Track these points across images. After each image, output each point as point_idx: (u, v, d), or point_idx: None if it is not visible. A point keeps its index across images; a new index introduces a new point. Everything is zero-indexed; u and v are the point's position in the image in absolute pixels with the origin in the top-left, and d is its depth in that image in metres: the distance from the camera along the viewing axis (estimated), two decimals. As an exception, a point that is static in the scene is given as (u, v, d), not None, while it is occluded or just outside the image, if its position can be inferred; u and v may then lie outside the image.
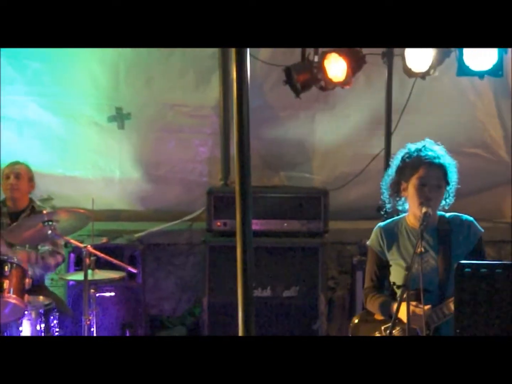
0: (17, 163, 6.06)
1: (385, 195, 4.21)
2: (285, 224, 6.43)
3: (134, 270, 5.69)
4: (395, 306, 3.79)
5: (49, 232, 5.13)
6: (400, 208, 4.18)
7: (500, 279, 3.24)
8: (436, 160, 3.98)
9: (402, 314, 3.74)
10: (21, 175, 5.95)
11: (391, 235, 4.14)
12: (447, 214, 4.11)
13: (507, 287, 3.22)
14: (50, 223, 5.13)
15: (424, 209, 3.88)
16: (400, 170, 4.09)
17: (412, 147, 4.10)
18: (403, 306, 3.67)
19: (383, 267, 4.16)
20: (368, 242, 4.26)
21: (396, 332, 3.95)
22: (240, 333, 2.37)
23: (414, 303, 3.79)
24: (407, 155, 4.08)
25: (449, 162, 4.04)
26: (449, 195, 4.08)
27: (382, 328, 4.03)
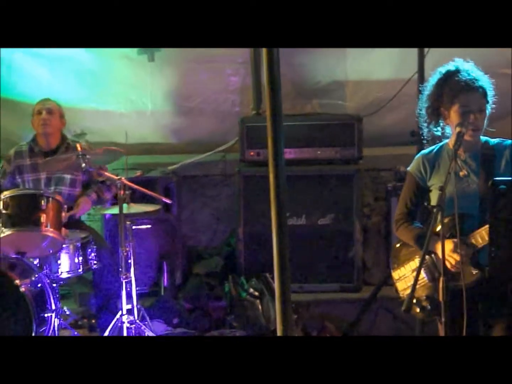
0: (47, 99, 6.05)
1: (423, 122, 4.13)
2: (319, 152, 6.40)
3: (168, 201, 5.74)
4: (436, 244, 3.76)
5: (83, 164, 5.18)
6: (438, 133, 4.10)
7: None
8: (475, 83, 3.89)
9: (437, 247, 3.72)
10: (52, 110, 5.95)
11: (433, 161, 4.07)
12: (491, 140, 4.04)
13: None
14: (84, 156, 5.18)
15: (458, 129, 3.82)
16: (437, 96, 3.98)
17: (443, 70, 4.00)
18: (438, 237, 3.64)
19: (420, 194, 4.10)
20: (408, 168, 4.19)
21: (433, 255, 3.93)
22: (275, 261, 2.37)
23: (450, 241, 3.76)
24: (441, 81, 3.98)
25: (486, 81, 3.94)
26: (488, 112, 4.00)
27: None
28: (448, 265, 3.74)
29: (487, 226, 3.56)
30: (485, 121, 3.95)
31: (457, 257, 3.72)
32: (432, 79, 4.05)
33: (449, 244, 3.75)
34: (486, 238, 3.62)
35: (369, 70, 7.22)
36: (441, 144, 4.10)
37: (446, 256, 3.72)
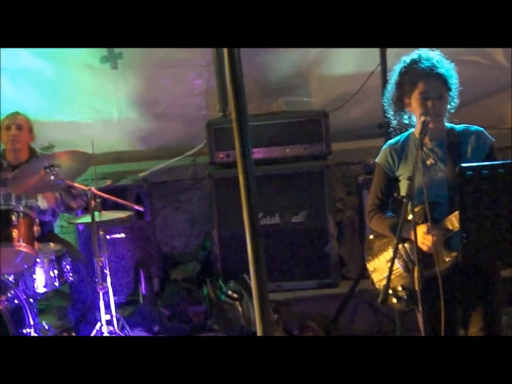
0: (17, 113, 5.97)
1: (389, 111, 4.15)
2: (287, 150, 6.41)
3: (140, 208, 5.71)
4: (410, 231, 3.78)
5: (52, 177, 5.12)
6: (406, 122, 4.12)
7: (502, 180, 3.22)
8: (435, 71, 3.91)
9: (410, 233, 3.74)
10: (22, 126, 5.88)
11: (400, 151, 4.09)
12: (457, 126, 4.06)
13: (510, 187, 3.21)
14: (52, 168, 5.11)
15: (422, 118, 3.84)
16: (399, 85, 4.02)
17: (407, 59, 4.02)
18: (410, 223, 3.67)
19: (390, 185, 4.12)
20: (376, 160, 4.21)
21: (407, 244, 3.95)
22: (250, 261, 2.37)
23: (422, 225, 3.78)
24: (403, 69, 4.01)
25: (447, 68, 3.96)
26: (453, 99, 4.01)
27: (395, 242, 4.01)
28: (425, 248, 3.76)
29: (457, 212, 3.59)
30: (447, 108, 3.98)
31: (430, 239, 3.74)
32: (396, 68, 4.08)
33: (422, 228, 3.77)
34: (457, 224, 3.65)
35: (332, 65, 7.23)
36: (407, 133, 4.12)
37: (422, 240, 3.75)
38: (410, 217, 3.68)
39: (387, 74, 4.30)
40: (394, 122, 4.15)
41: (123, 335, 5.31)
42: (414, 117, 4.04)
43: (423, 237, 3.77)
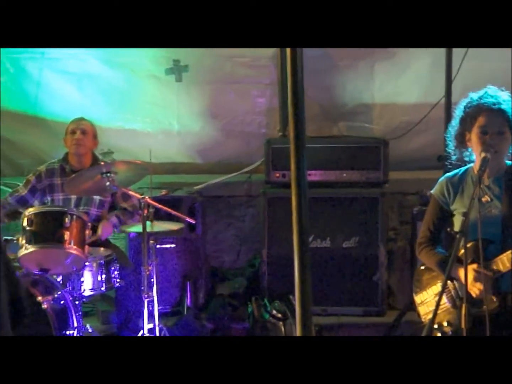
0: (82, 119, 6.04)
1: (450, 146, 4.12)
2: (344, 175, 6.39)
3: (192, 221, 5.73)
4: (459, 269, 3.73)
5: (107, 183, 5.17)
6: (467, 159, 4.08)
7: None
8: (497, 106, 3.87)
9: (460, 273, 3.69)
10: (86, 131, 5.94)
11: (457, 186, 4.06)
12: None
13: None
14: (108, 174, 5.17)
15: (483, 154, 3.79)
16: (462, 120, 4.00)
17: (474, 95, 3.99)
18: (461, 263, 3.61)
19: (444, 218, 4.09)
20: (432, 191, 4.18)
21: (456, 281, 3.90)
22: (296, 283, 2.35)
23: (473, 265, 3.73)
24: (469, 104, 3.98)
25: (510, 104, 3.92)
26: None
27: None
28: (472, 294, 3.71)
29: (509, 251, 3.53)
30: (508, 145, 3.92)
31: (480, 286, 3.68)
32: (461, 103, 4.05)
33: (471, 273, 3.72)
34: (508, 264, 3.59)
35: (396, 93, 7.20)
36: (466, 167, 4.08)
37: (469, 285, 3.69)
38: (461, 253, 3.63)
39: (451, 107, 4.28)
40: (453, 158, 4.11)
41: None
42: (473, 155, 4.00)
43: (472, 284, 3.72)
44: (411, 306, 4.46)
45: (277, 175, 6.43)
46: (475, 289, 3.71)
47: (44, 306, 4.92)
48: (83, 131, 5.92)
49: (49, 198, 5.91)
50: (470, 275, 3.71)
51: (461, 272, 3.60)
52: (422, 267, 4.21)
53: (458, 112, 4.07)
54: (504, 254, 3.68)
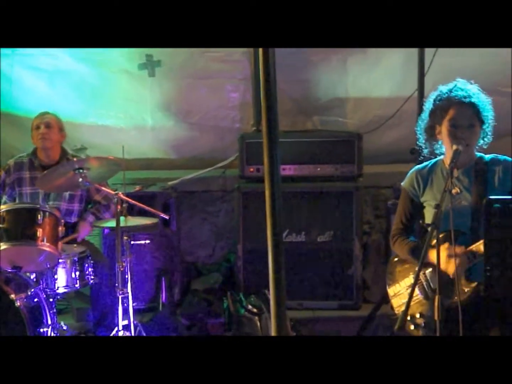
0: (46, 113, 6.02)
1: (421, 139, 4.14)
2: (318, 169, 6.39)
3: (166, 216, 5.70)
4: (430, 251, 3.76)
5: (80, 179, 5.15)
6: (437, 152, 4.11)
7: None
8: (467, 99, 3.90)
9: (433, 256, 3.71)
10: (51, 124, 5.92)
11: (426, 178, 4.09)
12: (486, 156, 4.04)
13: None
14: (81, 170, 5.15)
15: (454, 147, 3.82)
16: (432, 113, 4.02)
17: (444, 88, 4.02)
18: (433, 248, 3.64)
19: (415, 210, 4.13)
20: (402, 184, 4.21)
21: (428, 272, 3.93)
22: (271, 278, 2.35)
23: (446, 245, 3.76)
24: (438, 97, 4.01)
25: (482, 100, 3.94)
26: (486, 134, 3.99)
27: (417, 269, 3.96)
28: (450, 271, 3.72)
29: (482, 241, 3.56)
30: (477, 139, 3.95)
31: (454, 263, 3.70)
32: (431, 96, 4.08)
33: (446, 251, 3.74)
34: (481, 252, 3.61)
35: (369, 87, 7.21)
36: (435, 160, 4.11)
37: (445, 264, 3.72)
38: (433, 242, 3.65)
39: (424, 100, 4.30)
40: (425, 151, 4.14)
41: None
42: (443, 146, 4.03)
43: (447, 261, 3.74)
44: (386, 299, 4.48)
45: (252, 170, 6.42)
46: (450, 267, 3.73)
47: (18, 304, 4.88)
48: (47, 124, 5.90)
49: (17, 192, 5.88)
50: (443, 254, 3.73)
51: (434, 254, 3.61)
52: (396, 259, 4.24)
53: (427, 105, 4.09)
54: (478, 243, 3.70)
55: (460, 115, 3.89)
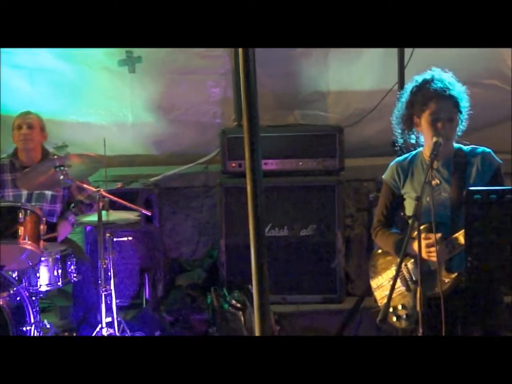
0: (28, 113, 5.96)
1: (397, 129, 4.15)
2: (300, 163, 6.39)
3: (148, 213, 5.70)
4: (413, 244, 3.76)
5: (61, 177, 5.14)
6: (412, 142, 4.12)
7: (510, 205, 3.19)
8: (447, 92, 3.91)
9: (414, 248, 3.72)
10: (33, 125, 5.86)
11: (407, 170, 4.10)
12: (465, 147, 4.05)
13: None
14: (62, 168, 5.13)
15: (434, 139, 3.83)
16: (410, 104, 4.02)
17: (419, 78, 4.02)
18: (414, 239, 3.65)
19: (396, 202, 4.14)
20: (383, 176, 4.22)
21: (410, 264, 3.94)
22: (253, 272, 2.36)
23: (426, 236, 3.77)
24: (415, 88, 4.01)
25: (459, 91, 3.96)
26: (461, 122, 4.01)
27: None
28: (432, 258, 3.73)
29: (462, 231, 3.57)
30: (456, 131, 3.96)
31: (434, 250, 3.72)
32: (407, 87, 4.08)
33: (427, 240, 3.75)
34: (463, 242, 3.63)
35: (350, 81, 7.21)
36: (415, 152, 4.13)
37: (426, 252, 3.73)
38: (414, 234, 3.66)
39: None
40: (400, 141, 4.15)
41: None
42: (422, 137, 4.03)
43: (428, 250, 3.76)
44: (369, 292, 4.49)
45: (233, 165, 6.42)
46: (431, 254, 3.75)
47: (0, 302, 4.86)
48: (29, 125, 5.84)
49: None
50: (424, 245, 3.74)
51: (416, 246, 3.62)
52: (379, 251, 4.25)
53: (405, 96, 4.08)
54: (458, 233, 3.72)
55: (441, 109, 3.90)
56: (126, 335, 5.46)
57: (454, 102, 3.92)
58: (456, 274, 3.80)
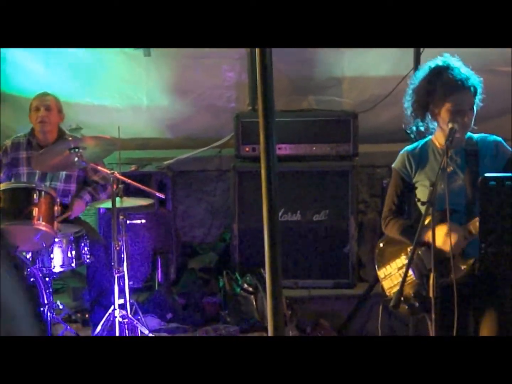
0: (46, 94, 5.94)
1: (408, 116, 4.10)
2: (314, 148, 6.39)
3: (162, 196, 5.72)
4: (425, 230, 3.75)
5: (76, 159, 5.15)
6: (422, 129, 4.08)
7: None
8: (467, 83, 3.88)
9: (428, 235, 3.70)
10: (50, 106, 5.84)
11: (419, 158, 4.07)
12: (475, 135, 4.03)
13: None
14: (77, 150, 5.14)
15: (450, 125, 3.80)
16: (427, 93, 3.95)
17: (433, 65, 3.96)
18: (428, 227, 3.64)
19: (406, 191, 4.10)
20: (393, 165, 4.18)
21: (422, 251, 3.92)
22: (266, 257, 2.36)
23: (441, 223, 3.75)
24: (432, 77, 3.93)
25: (476, 79, 3.93)
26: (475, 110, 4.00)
27: (409, 249, 3.91)
28: (446, 248, 3.70)
29: (477, 218, 3.56)
30: (473, 119, 3.95)
31: (452, 240, 3.70)
32: (420, 73, 4.02)
33: (443, 229, 3.73)
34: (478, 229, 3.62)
35: (365, 67, 7.20)
36: (425, 140, 4.10)
37: (443, 242, 3.71)
38: (427, 221, 3.65)
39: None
40: (413, 128, 4.10)
41: (135, 320, 5.31)
42: (432, 124, 4.00)
43: (444, 239, 3.73)
44: (380, 278, 4.50)
45: (247, 149, 6.42)
46: (446, 245, 3.72)
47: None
48: (47, 107, 5.82)
49: (14, 172, 5.85)
50: (440, 233, 3.72)
51: (430, 233, 3.61)
52: (382, 244, 4.24)
53: (417, 82, 4.02)
54: (474, 220, 3.71)
55: (464, 100, 3.85)
56: (139, 317, 5.49)
57: (473, 93, 3.89)
58: (472, 260, 3.79)
